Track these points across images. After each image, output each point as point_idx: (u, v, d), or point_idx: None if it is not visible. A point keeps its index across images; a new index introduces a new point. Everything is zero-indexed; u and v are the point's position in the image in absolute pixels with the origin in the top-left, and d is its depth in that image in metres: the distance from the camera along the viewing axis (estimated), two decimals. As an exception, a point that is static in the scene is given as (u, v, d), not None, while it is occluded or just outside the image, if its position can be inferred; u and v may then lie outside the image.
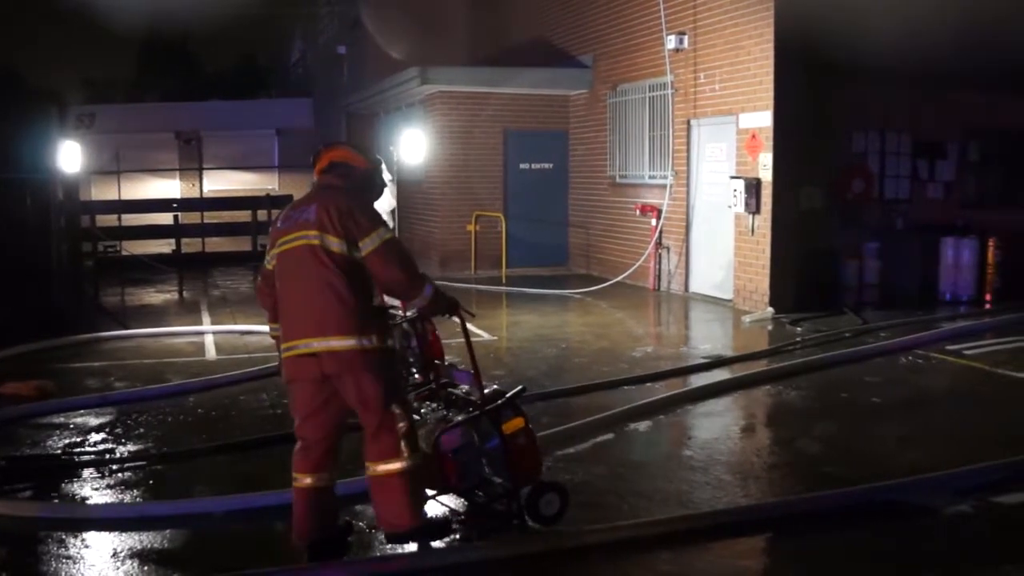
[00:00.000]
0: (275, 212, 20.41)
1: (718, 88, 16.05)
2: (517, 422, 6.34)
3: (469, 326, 6.65)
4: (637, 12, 18.48)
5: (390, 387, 5.90)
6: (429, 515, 6.28)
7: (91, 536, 6.49)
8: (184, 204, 23.98)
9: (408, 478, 5.90)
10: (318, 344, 5.73)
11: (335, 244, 5.70)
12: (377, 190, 6.30)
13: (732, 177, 15.47)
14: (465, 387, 6.79)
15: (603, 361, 11.86)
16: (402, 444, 5.87)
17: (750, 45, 15.05)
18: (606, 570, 5.86)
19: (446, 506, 6.71)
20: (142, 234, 22.13)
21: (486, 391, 6.40)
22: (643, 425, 9.06)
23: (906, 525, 6.59)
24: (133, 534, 6.48)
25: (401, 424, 5.89)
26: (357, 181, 6.07)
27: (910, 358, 11.83)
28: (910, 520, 6.67)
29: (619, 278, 18.55)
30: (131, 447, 8.49)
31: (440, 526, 6.30)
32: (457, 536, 6.35)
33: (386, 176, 6.61)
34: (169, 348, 13.07)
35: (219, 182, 28.39)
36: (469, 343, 6.59)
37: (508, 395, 6.40)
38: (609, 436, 8.66)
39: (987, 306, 15.45)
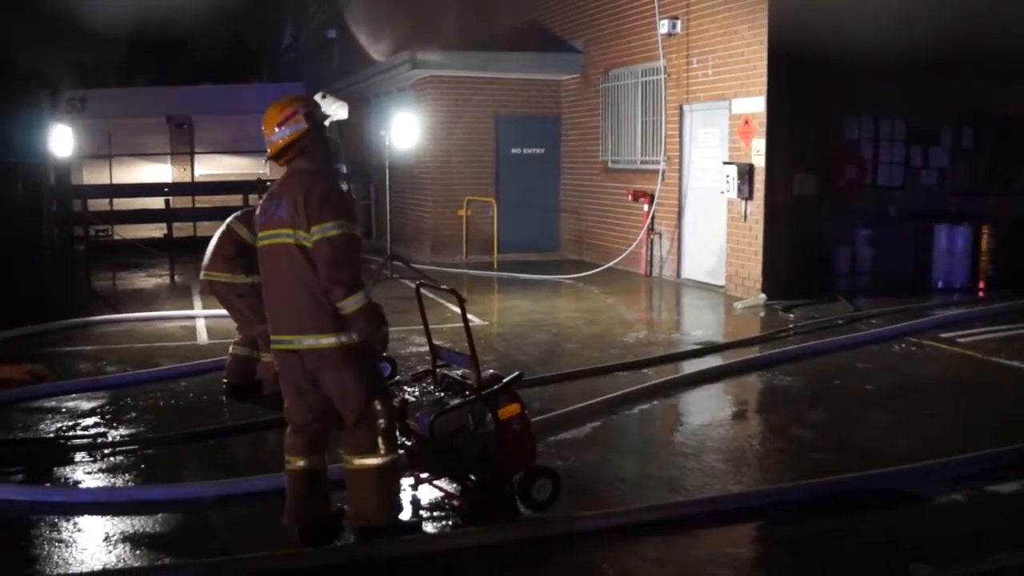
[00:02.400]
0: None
1: (711, 73, 16.02)
2: (513, 408, 6.34)
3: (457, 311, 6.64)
4: (630, -3, 18.44)
5: (372, 382, 5.88)
6: (402, 513, 6.28)
7: (83, 520, 6.48)
8: (175, 188, 23.86)
9: (383, 475, 5.90)
10: (298, 342, 5.72)
11: (306, 239, 5.62)
12: (324, 126, 6.04)
13: (725, 163, 15.45)
14: (460, 371, 6.78)
15: (595, 347, 11.86)
16: (380, 440, 5.86)
17: (743, 30, 15.01)
18: (597, 556, 5.84)
19: (441, 490, 6.71)
20: (133, 218, 22.00)
21: (483, 374, 6.39)
22: (635, 411, 9.06)
23: (899, 513, 6.60)
24: (125, 518, 6.48)
25: (381, 420, 5.87)
26: (318, 145, 5.88)
27: (903, 345, 11.84)
28: (903, 508, 6.68)
29: (611, 264, 18.53)
30: (123, 431, 8.47)
31: (411, 526, 6.28)
32: (449, 522, 6.36)
33: (325, 103, 6.48)
34: (161, 332, 13.04)
35: (210, 166, 28.25)
36: (468, 327, 6.58)
37: (505, 380, 6.39)
38: (601, 422, 8.65)
39: (980, 294, 15.49)
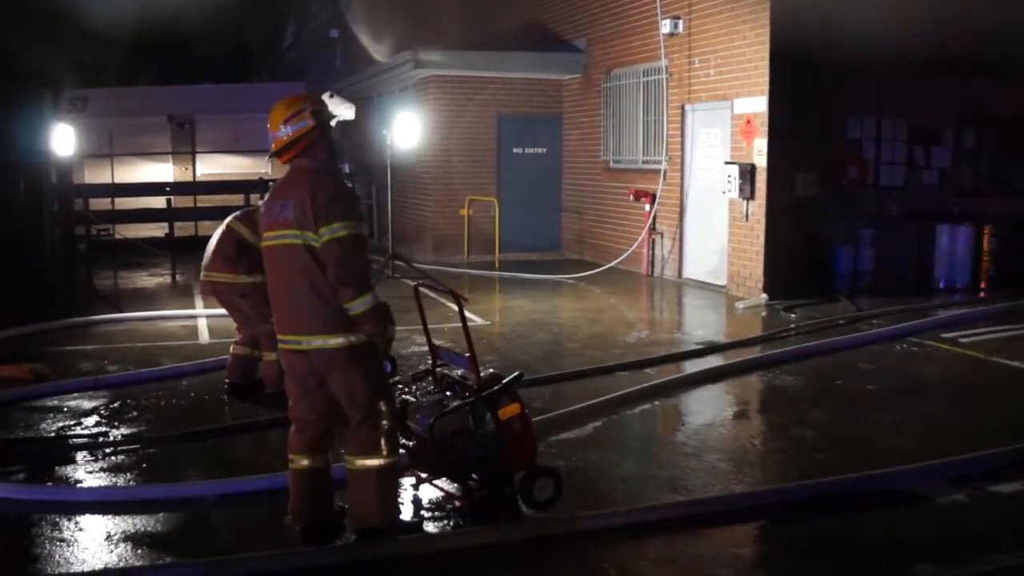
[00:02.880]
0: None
1: (713, 73, 16.01)
2: (513, 408, 6.34)
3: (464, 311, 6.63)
4: (632, -3, 18.44)
5: (378, 383, 5.88)
6: (401, 514, 6.29)
7: (84, 519, 6.48)
8: (177, 188, 23.88)
9: (383, 476, 5.89)
10: (307, 342, 5.71)
11: (314, 239, 5.60)
12: (330, 125, 6.03)
13: (726, 163, 15.44)
14: (460, 371, 6.77)
15: (596, 346, 11.85)
16: (382, 441, 5.86)
17: (745, 30, 15.01)
18: (598, 556, 5.84)
19: (442, 490, 6.71)
20: (135, 218, 22.01)
21: (483, 374, 6.39)
22: (637, 411, 9.05)
23: (900, 513, 6.59)
24: (126, 517, 6.47)
25: (384, 421, 5.86)
26: (323, 143, 5.86)
27: (905, 346, 11.83)
28: (904, 508, 6.68)
29: (612, 263, 18.53)
30: (124, 430, 8.47)
31: (410, 526, 6.27)
32: (450, 522, 6.36)
33: (333, 102, 6.41)
34: (162, 331, 13.04)
35: (212, 166, 28.25)
36: (466, 328, 6.58)
37: (505, 381, 6.38)
38: (602, 422, 8.65)
39: (982, 294, 15.46)
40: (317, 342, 5.67)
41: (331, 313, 5.63)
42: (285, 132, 5.80)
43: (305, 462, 5.93)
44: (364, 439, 5.83)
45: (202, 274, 9.62)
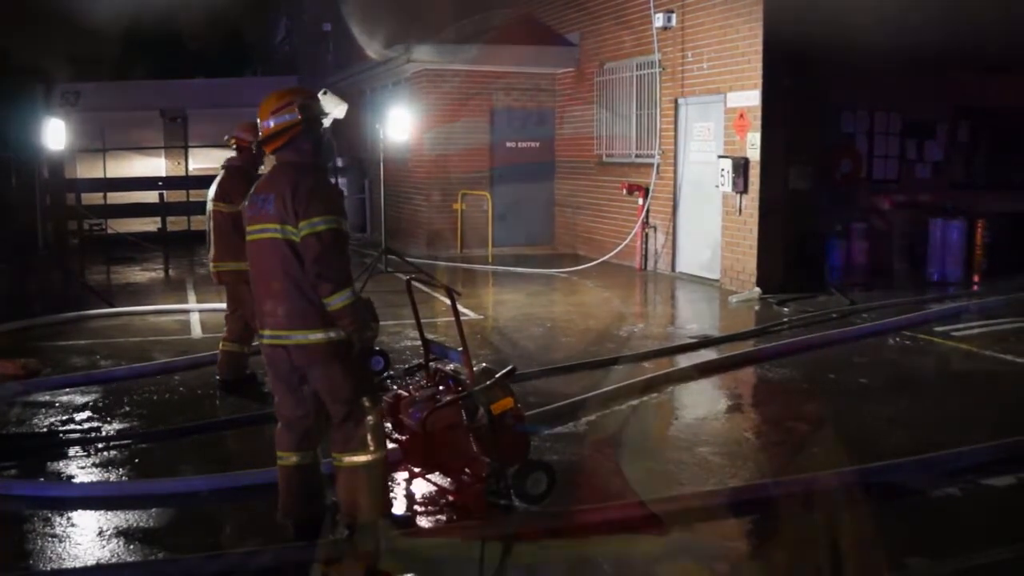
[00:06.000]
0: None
1: (706, 67, 15.99)
2: (506, 402, 6.33)
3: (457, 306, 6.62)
4: (625, -10, 18.41)
5: (360, 379, 5.86)
6: (393, 508, 6.27)
7: (76, 515, 6.46)
8: (169, 182, 23.88)
9: (372, 471, 5.87)
10: (287, 337, 5.69)
11: (294, 233, 5.57)
12: (321, 122, 5.96)
13: (720, 156, 15.43)
14: (452, 365, 6.77)
15: (590, 340, 11.84)
16: (368, 437, 5.83)
17: (739, 23, 14.99)
18: (593, 551, 5.83)
19: (435, 485, 6.70)
20: (128, 212, 22.01)
21: (476, 369, 6.38)
22: (630, 405, 9.04)
23: (895, 507, 6.59)
24: (119, 512, 6.46)
25: (369, 417, 5.84)
26: (308, 138, 5.83)
27: (898, 339, 11.84)
28: (899, 502, 6.68)
29: (606, 257, 18.52)
30: (117, 425, 8.45)
31: (402, 520, 6.25)
32: (443, 516, 6.36)
33: (326, 99, 6.30)
34: (155, 326, 13.01)
35: (204, 160, 28.23)
36: (459, 322, 6.57)
37: (498, 375, 6.37)
38: (596, 416, 8.63)
39: (975, 287, 15.47)
40: (297, 337, 5.65)
41: (312, 309, 5.61)
42: (272, 122, 5.79)
43: (294, 459, 5.91)
44: (349, 436, 5.81)
45: (211, 266, 9.54)
